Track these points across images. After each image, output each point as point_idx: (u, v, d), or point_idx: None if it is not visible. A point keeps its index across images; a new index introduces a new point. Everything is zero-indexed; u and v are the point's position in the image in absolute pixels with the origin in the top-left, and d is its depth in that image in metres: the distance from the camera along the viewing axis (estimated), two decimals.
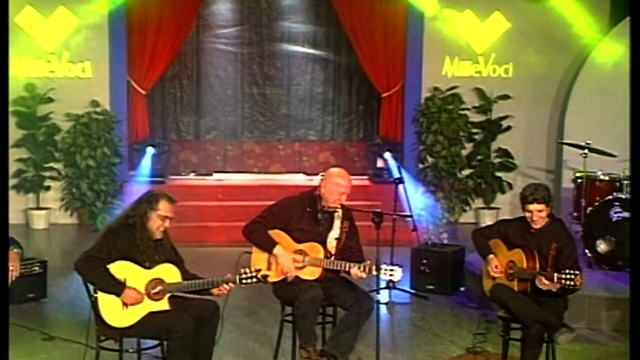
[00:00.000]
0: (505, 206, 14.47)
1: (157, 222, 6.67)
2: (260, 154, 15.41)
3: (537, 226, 7.17)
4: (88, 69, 13.96)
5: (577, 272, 6.71)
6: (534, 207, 7.11)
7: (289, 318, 7.51)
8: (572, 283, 6.68)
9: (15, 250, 6.83)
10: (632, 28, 8.01)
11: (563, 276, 6.70)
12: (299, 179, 14.61)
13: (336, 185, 7.35)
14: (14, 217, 13.29)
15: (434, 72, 14.39)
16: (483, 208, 14.53)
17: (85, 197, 13.49)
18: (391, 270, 7.16)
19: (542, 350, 7.03)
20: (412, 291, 10.06)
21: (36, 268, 9.47)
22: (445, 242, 11.51)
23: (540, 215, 7.12)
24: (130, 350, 6.84)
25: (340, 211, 7.47)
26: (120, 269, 6.47)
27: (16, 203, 13.55)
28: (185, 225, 11.75)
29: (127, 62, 14.06)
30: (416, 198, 12.50)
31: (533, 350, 6.91)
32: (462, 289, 10.16)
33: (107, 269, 6.42)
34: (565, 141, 12.29)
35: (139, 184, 13.37)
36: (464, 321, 9.06)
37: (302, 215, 7.41)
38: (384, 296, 9.58)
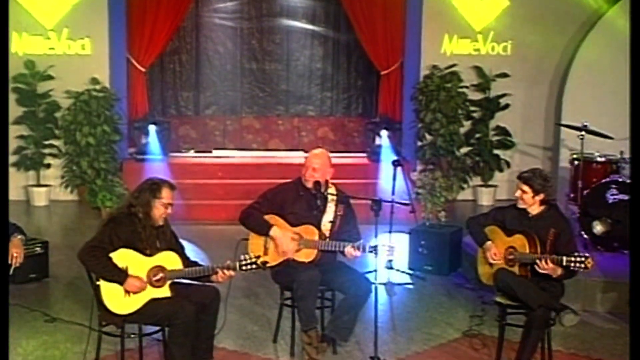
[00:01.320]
0: (503, 184, 14.53)
1: (161, 210, 6.77)
2: (260, 129, 15.46)
3: (525, 206, 7.26)
4: (88, 46, 13.95)
5: (586, 254, 6.80)
6: (520, 185, 7.26)
7: (288, 302, 7.62)
8: (582, 266, 6.78)
9: (19, 237, 6.92)
10: (632, 7, 8.05)
11: (573, 259, 6.79)
12: (298, 157, 14.65)
13: (308, 163, 7.55)
14: (15, 193, 13.44)
15: (432, 49, 14.40)
16: (481, 186, 14.59)
17: (85, 175, 13.53)
18: (390, 247, 7.28)
19: None
20: (410, 272, 10.14)
21: (38, 249, 9.56)
22: (443, 220, 11.61)
23: (523, 197, 7.23)
24: (132, 335, 6.92)
25: (334, 195, 7.57)
26: (122, 257, 6.57)
27: (17, 180, 13.64)
28: (184, 203, 11.85)
29: (127, 39, 14.07)
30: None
31: (537, 334, 7.01)
32: (459, 269, 10.23)
33: (110, 259, 6.51)
34: (563, 123, 12.37)
35: (142, 162, 13.53)
36: (461, 303, 9.15)
37: (296, 199, 7.54)
38: (382, 276, 9.66)
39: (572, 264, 6.79)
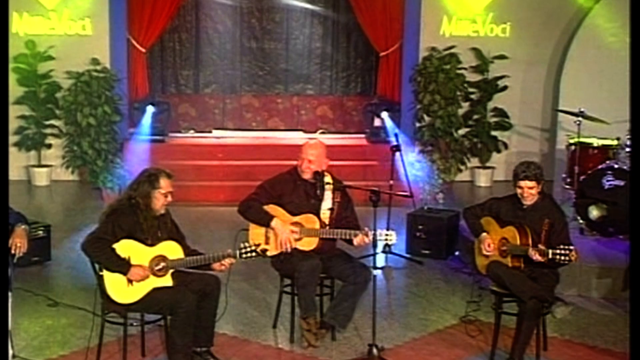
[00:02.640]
0: (500, 165, 14.62)
1: (161, 200, 6.87)
2: (259, 108, 15.50)
3: (527, 203, 7.35)
4: (88, 27, 13.99)
5: (570, 247, 6.90)
6: (524, 183, 7.29)
7: (288, 289, 7.73)
8: (566, 259, 6.89)
9: (23, 226, 6.96)
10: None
11: (557, 252, 6.89)
12: (297, 137, 14.74)
13: (303, 155, 7.65)
14: (16, 173, 13.57)
15: (431, 31, 14.43)
16: (478, 167, 14.68)
17: (86, 155, 13.60)
18: (387, 234, 7.38)
19: None
20: (408, 256, 10.25)
21: (40, 232, 9.66)
22: (441, 201, 11.71)
23: (530, 192, 7.29)
24: (135, 324, 7.04)
25: (330, 183, 7.67)
26: (125, 247, 6.68)
27: (18, 160, 13.74)
28: (184, 185, 11.91)
29: (127, 20, 14.10)
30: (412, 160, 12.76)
31: (530, 325, 7.12)
32: (456, 252, 10.34)
33: (114, 250, 6.62)
34: (560, 105, 12.47)
35: (139, 143, 13.59)
36: (458, 288, 9.26)
37: (294, 189, 7.65)
38: (380, 261, 9.76)
39: (557, 257, 6.90)
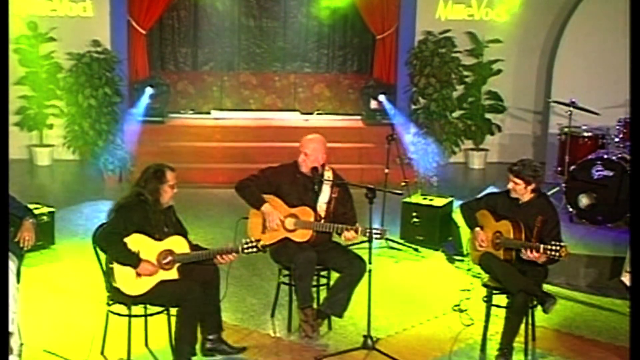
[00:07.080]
0: (494, 147, 14.85)
1: (169, 192, 7.12)
2: (257, 85, 15.68)
3: (518, 196, 7.58)
4: (89, 8, 14.19)
5: (562, 244, 7.14)
6: (511, 178, 7.55)
7: (285, 280, 7.94)
8: (557, 254, 7.12)
9: (31, 220, 7.18)
10: None
11: (549, 247, 7.12)
12: (295, 118, 14.93)
13: (301, 149, 7.84)
14: (18, 152, 13.75)
15: (427, 15, 14.61)
16: (472, 149, 14.90)
17: (87, 136, 13.80)
18: (381, 231, 7.62)
19: None
20: (401, 242, 10.45)
21: (44, 217, 9.87)
22: (435, 184, 11.92)
23: (516, 188, 7.52)
24: (139, 315, 7.23)
25: (330, 179, 7.88)
26: (135, 241, 6.91)
27: (20, 139, 13.93)
28: (183, 167, 12.03)
29: (127, 2, 14.27)
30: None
31: (518, 316, 7.37)
32: (449, 238, 10.54)
33: (125, 244, 6.86)
34: (552, 99, 12.64)
35: (138, 124, 13.81)
36: (451, 275, 9.50)
37: (293, 181, 7.87)
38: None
39: (548, 252, 7.14)
